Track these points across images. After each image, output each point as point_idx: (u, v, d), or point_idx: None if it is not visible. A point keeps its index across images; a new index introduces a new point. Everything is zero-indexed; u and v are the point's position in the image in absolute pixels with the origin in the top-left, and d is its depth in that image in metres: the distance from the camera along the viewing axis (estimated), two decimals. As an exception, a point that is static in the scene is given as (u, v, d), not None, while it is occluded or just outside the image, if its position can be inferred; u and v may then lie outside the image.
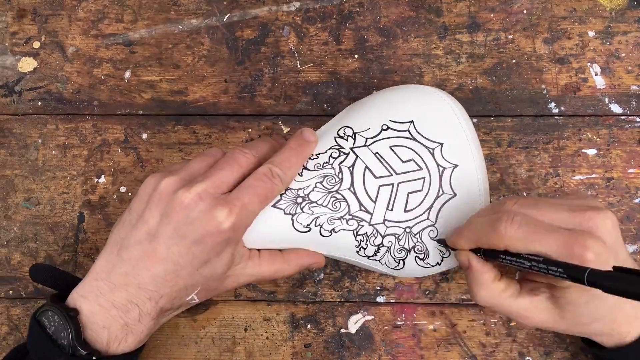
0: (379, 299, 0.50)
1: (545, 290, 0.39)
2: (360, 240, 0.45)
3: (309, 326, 0.51)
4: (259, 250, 0.45)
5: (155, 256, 0.40)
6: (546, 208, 0.38)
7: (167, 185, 0.41)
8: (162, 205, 0.40)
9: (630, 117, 0.51)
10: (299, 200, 0.44)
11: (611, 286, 0.31)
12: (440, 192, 0.45)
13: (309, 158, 0.45)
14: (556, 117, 0.52)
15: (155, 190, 0.41)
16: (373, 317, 0.50)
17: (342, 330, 0.50)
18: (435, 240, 0.45)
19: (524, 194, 0.51)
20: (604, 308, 0.38)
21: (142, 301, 0.41)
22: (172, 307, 0.43)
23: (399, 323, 0.50)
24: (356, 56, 0.54)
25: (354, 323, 0.50)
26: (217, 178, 0.41)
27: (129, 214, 0.42)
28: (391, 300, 0.50)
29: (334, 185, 0.44)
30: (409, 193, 0.45)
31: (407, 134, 0.45)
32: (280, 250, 0.46)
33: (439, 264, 0.45)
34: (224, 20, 0.55)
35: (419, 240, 0.45)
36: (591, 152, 0.51)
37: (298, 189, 0.44)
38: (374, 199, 0.45)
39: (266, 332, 0.51)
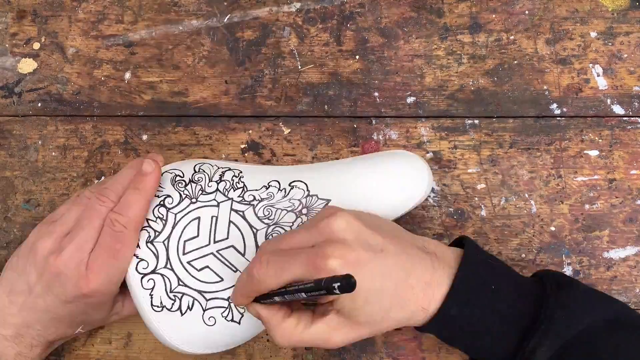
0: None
1: (331, 308, 0.39)
2: None
3: (309, 328, 0.50)
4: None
5: (36, 307, 0.44)
6: (287, 236, 0.39)
7: (41, 248, 0.43)
8: (38, 266, 0.43)
9: (632, 118, 0.51)
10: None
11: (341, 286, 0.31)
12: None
13: None
14: (558, 118, 0.52)
15: (32, 250, 0.44)
16: (374, 319, 0.50)
17: (343, 332, 0.50)
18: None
19: (526, 195, 0.51)
20: (386, 297, 0.38)
21: (31, 336, 0.44)
22: (61, 339, 0.47)
23: (400, 325, 0.50)
24: (357, 57, 0.53)
25: (355, 325, 0.50)
26: (81, 239, 0.43)
27: (19, 252, 0.46)
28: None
29: None
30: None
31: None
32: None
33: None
34: (225, 21, 0.54)
35: None
36: (593, 153, 0.51)
37: None
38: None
39: (267, 334, 0.50)
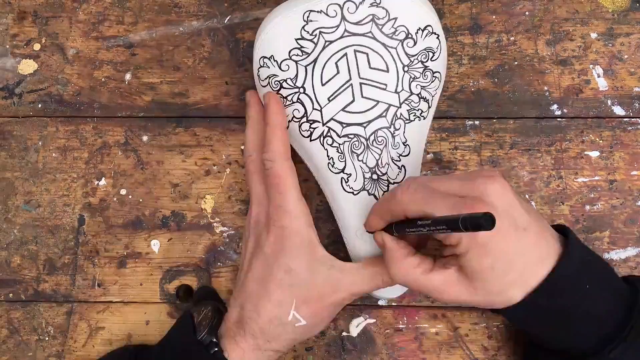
0: (381, 302, 0.50)
1: (454, 263, 0.39)
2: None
3: (310, 329, 0.50)
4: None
5: (247, 275, 0.45)
6: (440, 179, 0.40)
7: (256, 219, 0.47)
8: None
9: (633, 119, 0.51)
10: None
11: (478, 223, 0.31)
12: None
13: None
14: (559, 119, 0.52)
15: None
16: (375, 320, 0.50)
17: (344, 333, 0.50)
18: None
19: (526, 196, 0.51)
20: (516, 268, 0.38)
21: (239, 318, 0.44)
22: (272, 337, 0.44)
23: (400, 326, 0.50)
24: (357, 58, 0.53)
25: (356, 326, 0.50)
26: (257, 207, 0.47)
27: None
28: (393, 304, 0.50)
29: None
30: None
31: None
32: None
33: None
34: (225, 22, 0.54)
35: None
36: (594, 154, 0.51)
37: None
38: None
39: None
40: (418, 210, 0.38)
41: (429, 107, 0.47)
